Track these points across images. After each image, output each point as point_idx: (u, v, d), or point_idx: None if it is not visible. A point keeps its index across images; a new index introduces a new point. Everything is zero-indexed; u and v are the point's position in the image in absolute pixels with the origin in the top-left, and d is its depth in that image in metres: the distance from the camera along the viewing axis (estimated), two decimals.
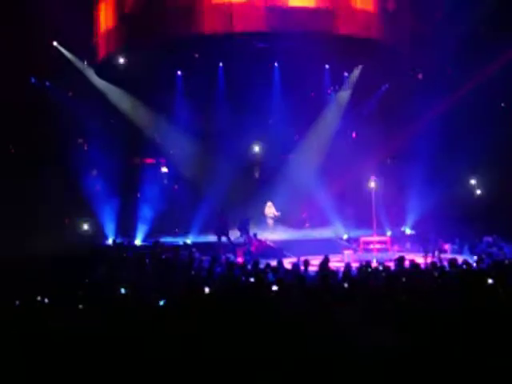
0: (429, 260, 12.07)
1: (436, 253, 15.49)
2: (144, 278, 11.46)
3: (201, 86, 20.36)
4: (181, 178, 22.42)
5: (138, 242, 19.58)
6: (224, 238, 19.03)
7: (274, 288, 8.33)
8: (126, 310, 7.27)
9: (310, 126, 22.57)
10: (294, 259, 14.42)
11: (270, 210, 21.27)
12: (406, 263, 10.78)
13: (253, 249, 17.56)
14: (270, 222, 21.13)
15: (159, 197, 20.62)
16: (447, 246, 18.30)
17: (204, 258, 14.42)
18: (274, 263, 11.60)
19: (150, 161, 23.14)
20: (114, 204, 20.16)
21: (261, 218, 21.05)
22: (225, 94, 21.70)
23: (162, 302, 7.71)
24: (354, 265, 11.43)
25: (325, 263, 10.99)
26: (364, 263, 10.86)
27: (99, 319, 6.60)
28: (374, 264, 11.16)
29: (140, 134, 21.55)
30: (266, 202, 21.30)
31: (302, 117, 21.96)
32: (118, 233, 19.89)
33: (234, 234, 19.23)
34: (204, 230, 20.00)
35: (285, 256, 16.61)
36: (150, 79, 19.89)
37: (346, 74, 22.11)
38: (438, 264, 10.93)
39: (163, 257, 14.58)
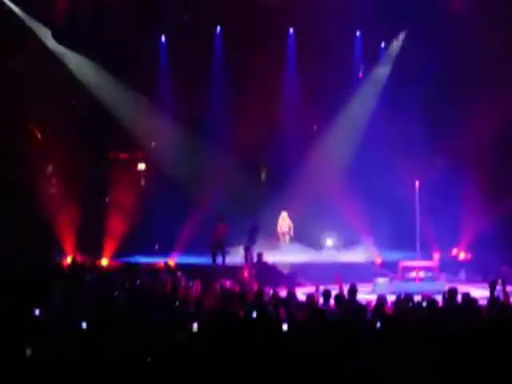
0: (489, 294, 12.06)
1: (499, 285, 15.39)
2: (112, 310, 11.52)
3: (191, 56, 20.48)
4: (163, 178, 22.52)
5: (104, 261, 19.67)
6: (219, 259, 19.18)
7: (284, 327, 8.40)
8: (89, 351, 7.36)
9: (334, 112, 22.64)
10: (310, 288, 14.45)
11: (285, 222, 21.33)
12: (459, 298, 10.82)
13: (245, 275, 17.73)
14: (285, 238, 21.17)
15: (134, 203, 20.72)
16: None
17: (191, 284, 14.50)
18: (283, 293, 11.65)
19: (123, 155, 23.27)
20: (74, 211, 20.29)
21: (269, 233, 21.17)
22: (223, 68, 21.85)
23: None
24: (390, 298, 11.46)
25: (351, 294, 11.04)
26: (403, 296, 10.90)
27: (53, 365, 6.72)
28: (417, 298, 11.18)
29: (110, 120, 21.67)
30: (278, 212, 21.37)
31: (323, 100, 22.05)
32: (78, 249, 19.98)
33: (233, 253, 19.37)
34: (193, 248, 20.09)
35: (298, 284, 16.64)
36: (124, 47, 20.06)
37: (382, 44, 22.28)
38: (502, 300, 10.94)
39: (137, 283, 14.65)
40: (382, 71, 22.65)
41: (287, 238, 21.37)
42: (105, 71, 21.53)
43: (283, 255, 20.29)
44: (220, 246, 19.56)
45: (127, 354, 7.55)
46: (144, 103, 21.89)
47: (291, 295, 11.33)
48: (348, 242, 21.39)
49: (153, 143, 22.88)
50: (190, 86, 21.30)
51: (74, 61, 21.36)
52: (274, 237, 21.71)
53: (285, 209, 21.56)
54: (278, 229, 21.60)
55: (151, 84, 21.82)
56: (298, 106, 22.29)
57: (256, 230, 19.57)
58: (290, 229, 21.41)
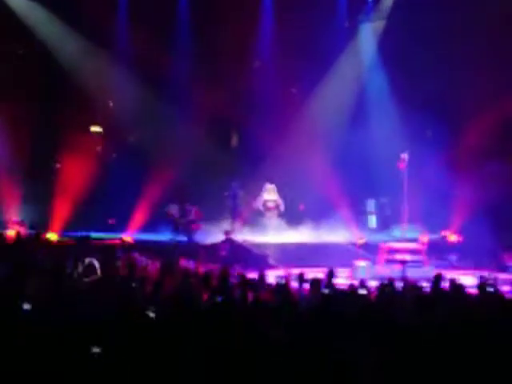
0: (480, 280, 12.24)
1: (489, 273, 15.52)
2: (61, 290, 11.54)
3: (155, 7, 20.35)
4: (122, 143, 22.42)
5: (52, 236, 19.61)
6: (183, 236, 19.25)
7: (251, 313, 8.47)
8: (29, 335, 7.36)
9: (316, 74, 22.62)
10: (283, 271, 14.58)
11: (272, 196, 21.09)
12: (446, 284, 10.98)
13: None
14: (271, 215, 20.97)
15: (88, 170, 20.62)
16: (510, 261, 18.57)
17: (150, 263, 14.54)
18: (253, 275, 11.74)
19: (75, 116, 23.02)
20: (19, 179, 20.16)
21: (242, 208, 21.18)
22: (190, 21, 21.74)
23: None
24: (372, 284, 11.59)
25: (329, 279, 11.15)
26: (385, 282, 11.02)
27: None
28: (401, 283, 11.33)
29: (61, 74, 21.44)
30: (264, 184, 21.17)
31: (304, 60, 22.01)
32: (22, 221, 19.90)
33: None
34: (154, 223, 20.05)
35: (270, 266, 16.71)
36: None
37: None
38: (494, 289, 11.08)
39: (87, 261, 14.66)
40: (375, 27, 22.70)
41: (273, 215, 21.07)
42: (57, 19, 21.25)
43: (274, 235, 20.33)
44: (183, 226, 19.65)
45: (73, 340, 7.58)
46: (101, 57, 21.67)
47: (261, 278, 11.43)
48: (327, 221, 21.45)
49: (110, 103, 22.69)
50: (153, 39, 21.15)
51: (21, 4, 21.03)
52: (248, 211, 21.60)
53: (271, 181, 21.39)
54: (260, 203, 21.38)
55: (109, 35, 21.56)
56: (275, 67, 22.22)
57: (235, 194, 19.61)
58: (278, 205, 21.15)
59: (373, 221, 22.41)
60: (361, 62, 22.79)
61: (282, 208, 21.43)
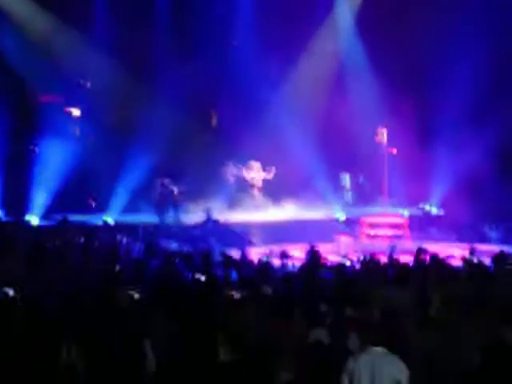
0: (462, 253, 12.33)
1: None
2: (43, 275, 11.53)
3: None
4: (100, 124, 22.27)
5: (33, 219, 19.55)
6: (167, 217, 19.28)
7: (235, 294, 8.47)
8: (14, 322, 7.36)
9: (295, 50, 22.55)
10: (265, 249, 14.63)
11: (258, 173, 20.93)
12: (427, 257, 11.04)
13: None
14: (256, 192, 20.84)
15: (66, 153, 20.52)
16: (491, 234, 18.74)
17: (133, 245, 14.55)
18: (235, 254, 11.78)
19: (51, 98, 22.85)
20: None
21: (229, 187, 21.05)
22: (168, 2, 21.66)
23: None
24: (353, 258, 11.67)
25: (312, 255, 11.20)
26: (367, 256, 11.10)
27: None
28: (383, 258, 11.40)
29: (37, 55, 21.22)
30: (247, 162, 21.09)
31: (283, 37, 21.93)
32: (2, 206, 19.84)
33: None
34: (134, 205, 20.07)
35: (252, 244, 16.78)
36: None
37: None
38: (475, 261, 11.19)
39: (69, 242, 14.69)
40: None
41: (258, 192, 20.98)
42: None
43: (261, 212, 20.33)
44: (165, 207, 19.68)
45: (58, 323, 7.57)
46: (76, 36, 21.50)
47: (244, 256, 11.46)
48: (306, 195, 21.49)
49: (88, 84, 22.53)
50: (133, 21, 21.04)
51: None
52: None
53: (256, 159, 21.28)
54: (250, 181, 21.19)
55: (85, 14, 21.38)
56: (254, 43, 22.12)
57: None
58: (262, 179, 21.02)
59: (348, 196, 22.43)
60: (338, 34, 22.64)
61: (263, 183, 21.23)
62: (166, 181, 20.18)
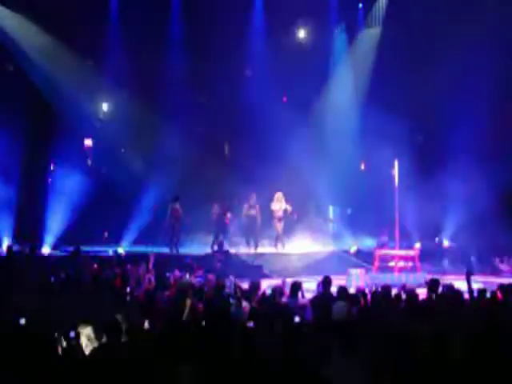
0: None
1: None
2: (55, 303, 11.54)
3: (145, 18, 20.41)
4: (112, 156, 22.39)
5: (45, 249, 19.60)
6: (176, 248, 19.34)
7: (249, 324, 8.45)
8: (28, 350, 7.35)
9: (307, 82, 22.67)
10: (277, 281, 14.57)
11: (280, 204, 20.80)
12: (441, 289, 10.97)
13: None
14: (279, 225, 20.59)
15: (80, 185, 20.62)
16: (503, 266, 18.67)
17: (144, 276, 14.51)
18: (246, 286, 11.74)
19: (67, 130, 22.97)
20: (10, 194, 20.11)
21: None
22: (181, 31, 21.82)
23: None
24: (366, 290, 11.60)
25: (326, 286, 11.12)
26: (380, 288, 11.03)
27: None
28: (395, 290, 11.33)
29: (51, 88, 21.40)
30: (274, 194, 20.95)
31: (295, 69, 22.06)
32: (15, 237, 19.87)
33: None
34: (147, 236, 20.12)
35: (265, 276, 16.73)
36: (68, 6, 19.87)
37: (360, 5, 22.45)
38: (488, 293, 11.07)
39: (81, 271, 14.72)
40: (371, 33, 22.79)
41: (280, 225, 20.69)
42: (46, 33, 21.26)
43: (284, 247, 20.28)
44: (175, 232, 19.68)
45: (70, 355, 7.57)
46: (89, 70, 21.70)
47: (255, 288, 11.40)
48: (319, 230, 21.49)
49: (101, 116, 22.68)
50: (145, 53, 21.21)
51: (7, 19, 21.00)
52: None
53: (268, 190, 21.10)
54: (274, 213, 20.95)
55: (98, 46, 21.59)
56: (266, 75, 22.25)
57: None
58: (287, 211, 20.65)
59: (334, 227, 22.56)
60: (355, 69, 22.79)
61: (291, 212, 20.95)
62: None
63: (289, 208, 20.37)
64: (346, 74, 22.98)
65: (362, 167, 21.53)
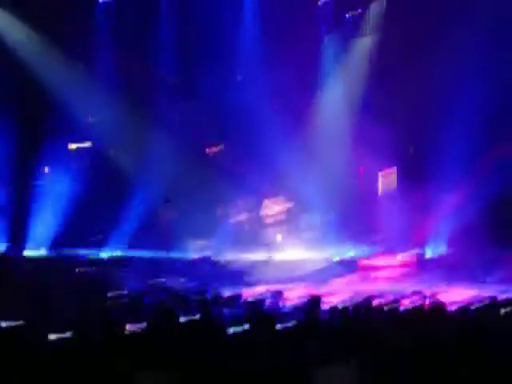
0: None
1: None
2: (41, 305, 11.58)
3: (135, 19, 20.43)
4: (102, 158, 22.37)
5: (34, 253, 19.59)
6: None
7: (231, 330, 8.46)
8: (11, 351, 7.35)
9: (299, 88, 22.68)
10: (260, 288, 14.63)
11: (276, 207, 20.68)
12: (427, 302, 10.97)
13: None
14: (272, 232, 20.55)
15: (69, 187, 20.59)
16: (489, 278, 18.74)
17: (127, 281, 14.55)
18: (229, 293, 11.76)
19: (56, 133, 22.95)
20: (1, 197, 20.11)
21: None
22: (171, 33, 21.84)
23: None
24: (347, 301, 11.63)
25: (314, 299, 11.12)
26: (362, 300, 11.05)
27: None
28: (377, 301, 11.37)
29: (39, 90, 21.38)
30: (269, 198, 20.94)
31: (287, 75, 22.06)
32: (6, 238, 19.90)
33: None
34: (136, 240, 20.18)
35: (246, 283, 16.80)
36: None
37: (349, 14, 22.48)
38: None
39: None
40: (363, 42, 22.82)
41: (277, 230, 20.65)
42: (37, 34, 21.24)
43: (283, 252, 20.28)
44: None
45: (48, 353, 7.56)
46: (78, 72, 21.69)
47: (237, 296, 11.42)
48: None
49: (89, 118, 22.61)
50: (134, 56, 21.19)
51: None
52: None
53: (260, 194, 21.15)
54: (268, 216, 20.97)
55: (87, 49, 21.59)
56: (257, 79, 22.29)
57: None
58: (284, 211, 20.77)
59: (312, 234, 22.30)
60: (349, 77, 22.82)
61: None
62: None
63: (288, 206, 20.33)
64: (336, 82, 22.95)
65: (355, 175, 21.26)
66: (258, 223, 20.64)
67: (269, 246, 20.18)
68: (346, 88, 22.74)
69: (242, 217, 20.33)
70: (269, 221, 20.39)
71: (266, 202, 20.45)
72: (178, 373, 6.76)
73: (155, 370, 6.80)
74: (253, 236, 20.76)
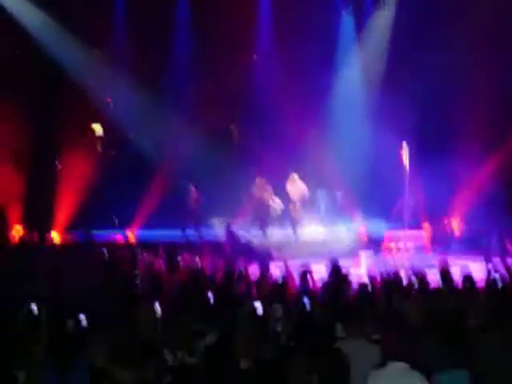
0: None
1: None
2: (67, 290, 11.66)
3: (153, 6, 20.38)
4: (122, 141, 22.43)
5: (55, 236, 19.68)
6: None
7: (259, 310, 8.44)
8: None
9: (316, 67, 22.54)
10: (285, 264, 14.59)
11: (296, 187, 20.64)
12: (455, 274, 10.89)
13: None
14: (296, 209, 20.40)
15: (89, 169, 20.65)
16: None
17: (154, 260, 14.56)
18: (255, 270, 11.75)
19: (75, 114, 22.98)
20: (19, 177, 20.15)
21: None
22: (187, 13, 21.81)
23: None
24: (376, 274, 11.58)
25: (335, 271, 11.08)
26: (389, 273, 10.99)
27: None
28: (404, 273, 11.30)
29: (57, 73, 21.38)
30: (288, 174, 20.72)
31: (304, 53, 21.93)
32: (25, 221, 19.95)
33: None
34: (156, 220, 20.17)
35: (273, 259, 16.78)
36: None
37: None
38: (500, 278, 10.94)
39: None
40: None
41: (297, 208, 20.44)
42: (53, 19, 21.23)
43: (305, 230, 20.11)
44: (194, 217, 19.73)
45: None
46: (96, 57, 21.67)
47: (264, 272, 11.39)
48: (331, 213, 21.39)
49: (109, 100, 22.62)
50: (152, 40, 21.15)
51: (17, 5, 20.96)
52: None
53: (292, 171, 20.71)
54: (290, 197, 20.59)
55: (104, 34, 21.56)
56: (274, 58, 22.16)
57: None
58: (302, 196, 20.49)
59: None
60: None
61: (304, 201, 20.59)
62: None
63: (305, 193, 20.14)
64: (355, 57, 22.77)
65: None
66: (281, 202, 20.51)
67: (292, 223, 20.05)
68: (365, 62, 22.53)
69: (266, 195, 20.20)
70: (294, 197, 20.27)
71: (293, 176, 20.28)
72: None
73: None
74: (276, 215, 20.64)
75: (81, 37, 21.16)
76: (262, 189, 20.41)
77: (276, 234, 20.14)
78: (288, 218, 20.38)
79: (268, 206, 20.30)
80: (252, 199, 20.48)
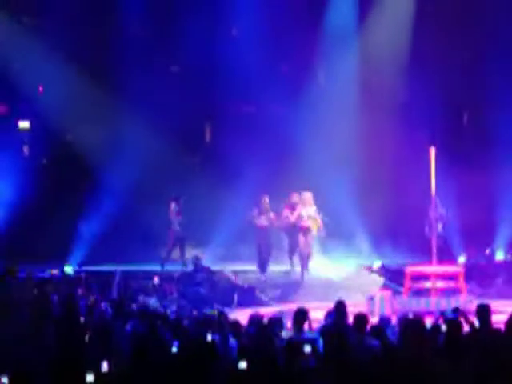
0: None
1: None
2: None
3: None
4: (56, 142, 22.48)
5: None
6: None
7: (242, 365, 8.52)
8: None
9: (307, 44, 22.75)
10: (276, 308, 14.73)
11: (309, 210, 20.54)
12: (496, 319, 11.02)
13: None
14: (303, 240, 20.13)
15: (12, 181, 20.77)
16: None
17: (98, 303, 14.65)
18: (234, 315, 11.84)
19: None
20: None
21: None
22: None
23: None
24: (392, 320, 11.71)
25: (339, 314, 11.17)
26: (412, 317, 11.09)
27: None
28: (430, 320, 11.44)
29: None
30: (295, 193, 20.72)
31: (291, 29, 22.16)
32: None
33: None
34: (102, 252, 20.29)
35: (260, 302, 16.87)
36: None
37: None
38: None
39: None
40: None
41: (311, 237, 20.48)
42: None
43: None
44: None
45: None
46: (23, 36, 21.80)
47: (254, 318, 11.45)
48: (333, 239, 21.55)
49: (40, 89, 22.69)
50: (95, 7, 21.39)
51: None
52: None
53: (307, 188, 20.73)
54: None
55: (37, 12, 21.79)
56: (257, 35, 22.36)
57: None
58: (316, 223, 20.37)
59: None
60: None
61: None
62: None
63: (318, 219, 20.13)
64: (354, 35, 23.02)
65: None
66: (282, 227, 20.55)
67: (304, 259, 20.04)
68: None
69: (264, 219, 20.17)
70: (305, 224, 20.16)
71: (305, 196, 20.24)
72: None
73: None
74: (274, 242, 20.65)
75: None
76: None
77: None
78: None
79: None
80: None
